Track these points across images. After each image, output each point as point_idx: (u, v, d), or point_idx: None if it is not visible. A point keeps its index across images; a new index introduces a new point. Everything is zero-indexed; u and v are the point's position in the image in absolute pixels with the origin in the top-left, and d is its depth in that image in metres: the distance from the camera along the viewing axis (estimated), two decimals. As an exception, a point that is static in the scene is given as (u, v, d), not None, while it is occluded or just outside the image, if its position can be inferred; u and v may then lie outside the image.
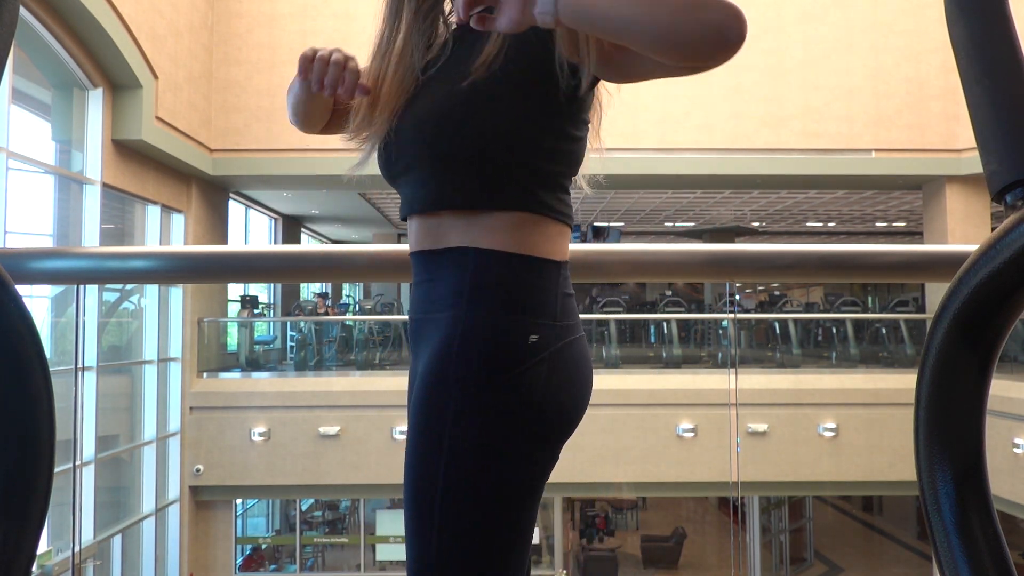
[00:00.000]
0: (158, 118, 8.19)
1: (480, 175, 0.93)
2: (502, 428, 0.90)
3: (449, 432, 0.89)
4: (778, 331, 11.85)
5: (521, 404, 0.90)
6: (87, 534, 7.08)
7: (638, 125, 9.59)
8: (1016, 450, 7.66)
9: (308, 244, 16.26)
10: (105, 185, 7.81)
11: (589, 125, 1.02)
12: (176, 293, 9.46)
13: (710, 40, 0.77)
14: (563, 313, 0.95)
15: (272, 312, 13.84)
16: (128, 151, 8.19)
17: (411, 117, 0.98)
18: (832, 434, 8.86)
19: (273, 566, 11.00)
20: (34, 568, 0.83)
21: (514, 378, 0.90)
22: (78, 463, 6.46)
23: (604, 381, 8.84)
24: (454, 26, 1.05)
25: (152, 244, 9.04)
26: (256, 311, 11.94)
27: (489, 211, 0.93)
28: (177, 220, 9.62)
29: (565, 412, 0.94)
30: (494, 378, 0.90)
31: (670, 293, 12.78)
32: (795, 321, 11.56)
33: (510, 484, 0.90)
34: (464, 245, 0.94)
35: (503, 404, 0.90)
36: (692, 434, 8.78)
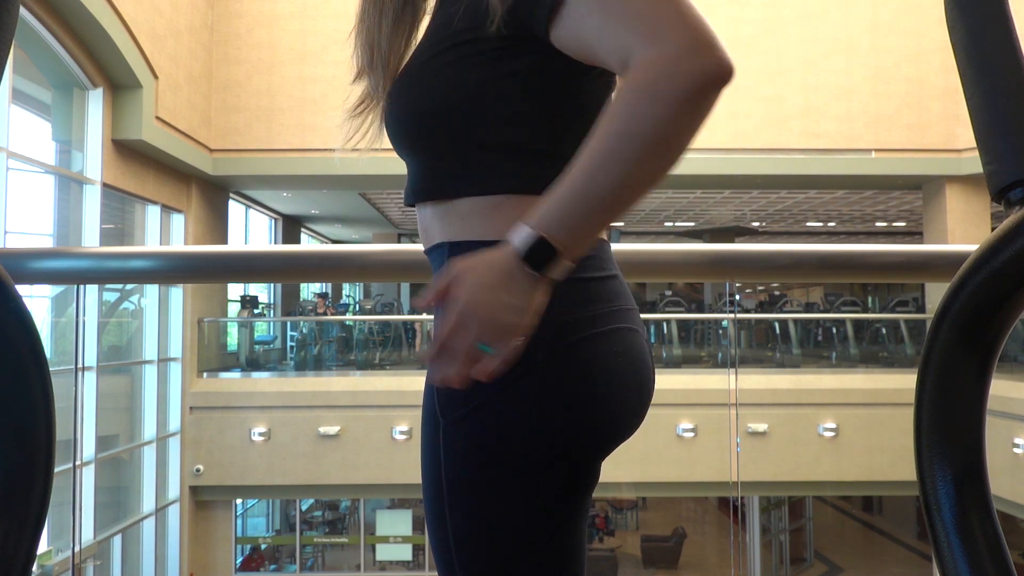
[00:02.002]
0: (158, 118, 8.19)
1: (447, 157, 0.79)
2: (494, 468, 0.75)
3: (445, 477, 0.77)
4: (778, 331, 11.84)
5: (507, 433, 0.74)
6: (87, 534, 7.08)
7: (638, 125, 9.56)
8: (1016, 450, 7.65)
9: (308, 244, 16.26)
10: (105, 185, 7.81)
11: (599, 76, 0.81)
12: (176, 293, 9.46)
13: (689, 107, 0.64)
14: (566, 303, 0.74)
15: (272, 312, 13.84)
16: (128, 151, 8.19)
17: (393, 90, 0.85)
18: (832, 434, 8.85)
19: (273, 566, 11.00)
20: (34, 568, 0.83)
21: (492, 400, 0.74)
22: (78, 463, 6.46)
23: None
24: None
25: (152, 244, 9.04)
26: (256, 311, 11.95)
27: (464, 197, 0.79)
28: (177, 220, 9.62)
29: (581, 433, 0.75)
30: (471, 402, 0.74)
31: (670, 293, 12.77)
32: (795, 321, 11.55)
33: (529, 533, 0.76)
34: (441, 240, 0.81)
35: (487, 436, 0.74)
36: (692, 434, 8.78)
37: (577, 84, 0.79)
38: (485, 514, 0.76)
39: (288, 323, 12.27)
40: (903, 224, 16.59)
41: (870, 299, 16.77)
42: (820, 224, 16.95)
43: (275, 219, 14.81)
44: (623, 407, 0.77)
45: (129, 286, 8.87)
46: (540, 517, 0.76)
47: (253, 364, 10.83)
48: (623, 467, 9.28)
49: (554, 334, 0.74)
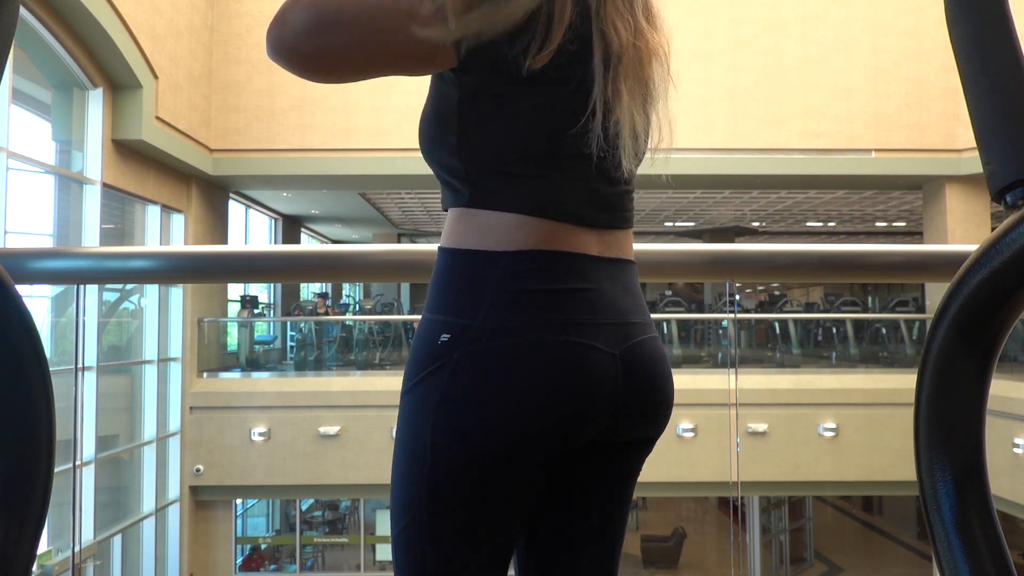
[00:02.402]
0: (158, 118, 8.19)
1: (435, 174, 0.91)
2: (409, 438, 0.81)
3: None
4: (778, 331, 11.85)
5: (421, 412, 0.80)
6: (87, 534, 7.08)
7: (638, 125, 9.56)
8: (1016, 450, 7.65)
9: (308, 244, 16.26)
10: (105, 185, 7.81)
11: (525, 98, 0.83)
12: (176, 293, 9.46)
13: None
14: (496, 311, 0.80)
15: (272, 312, 13.84)
16: (128, 151, 8.19)
17: None
18: (832, 434, 8.86)
19: (273, 566, 11.01)
20: (34, 568, 0.83)
21: (418, 384, 0.81)
22: (78, 463, 6.46)
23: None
24: None
25: (152, 244, 9.04)
26: (256, 311, 11.94)
27: (447, 208, 0.89)
28: (177, 220, 9.62)
29: (474, 428, 0.78)
30: (408, 383, 0.83)
31: (670, 293, 12.77)
32: (795, 321, 11.56)
33: (428, 506, 0.80)
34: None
35: (410, 411, 0.82)
36: (692, 434, 8.78)
37: (498, 107, 0.83)
38: (400, 491, 0.82)
39: (288, 323, 12.27)
40: (903, 224, 16.59)
41: (870, 299, 16.78)
42: (820, 224, 16.95)
43: (275, 219, 14.81)
44: (529, 419, 0.79)
45: (129, 286, 8.87)
46: (440, 499, 0.79)
47: (253, 364, 10.83)
48: (623, 467, 9.26)
49: (476, 335, 0.79)
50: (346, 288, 17.75)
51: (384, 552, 10.93)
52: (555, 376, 0.79)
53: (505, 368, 0.78)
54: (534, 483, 0.82)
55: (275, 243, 14.98)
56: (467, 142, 0.84)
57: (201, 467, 9.07)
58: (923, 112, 9.72)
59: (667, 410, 0.89)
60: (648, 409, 0.88)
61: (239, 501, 10.50)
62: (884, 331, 11.45)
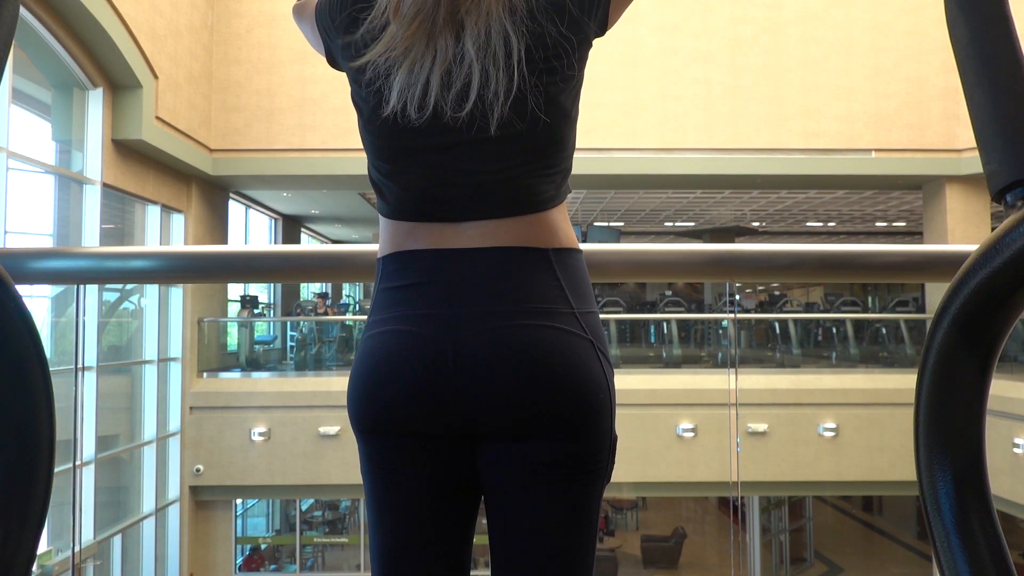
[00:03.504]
0: (158, 118, 8.19)
1: None
2: None
3: None
4: (778, 331, 11.85)
5: None
6: (87, 534, 7.08)
7: (638, 125, 9.59)
8: (1016, 450, 7.65)
9: (308, 244, 16.26)
10: (105, 185, 7.81)
11: (360, 109, 0.91)
12: (176, 293, 9.46)
13: None
14: (376, 307, 0.93)
15: (272, 312, 13.84)
16: (128, 151, 8.19)
17: None
18: (832, 434, 8.86)
19: (273, 566, 11.00)
20: (34, 568, 0.83)
21: None
22: (78, 463, 6.46)
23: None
24: None
25: (152, 244, 9.04)
26: (256, 311, 11.94)
27: None
28: (177, 220, 9.62)
29: (351, 400, 0.92)
30: None
31: (670, 293, 12.78)
32: (795, 321, 11.56)
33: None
34: None
35: None
36: (692, 434, 8.78)
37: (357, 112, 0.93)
38: None
39: (288, 323, 12.26)
40: (903, 224, 16.59)
41: (870, 299, 16.79)
42: (820, 224, 16.95)
43: (275, 219, 14.81)
44: (358, 397, 0.90)
45: (129, 286, 8.87)
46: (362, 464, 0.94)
47: (253, 364, 10.83)
48: (623, 467, 9.25)
49: (367, 329, 0.93)
50: (346, 288, 17.75)
51: (384, 552, 10.92)
52: (364, 362, 0.91)
53: (361, 355, 0.92)
54: (406, 459, 0.89)
55: (275, 243, 14.97)
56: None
57: (201, 467, 9.07)
58: (923, 112, 9.72)
59: (529, 397, 0.85)
60: (497, 397, 0.85)
61: (239, 501, 10.49)
62: (884, 331, 11.46)
